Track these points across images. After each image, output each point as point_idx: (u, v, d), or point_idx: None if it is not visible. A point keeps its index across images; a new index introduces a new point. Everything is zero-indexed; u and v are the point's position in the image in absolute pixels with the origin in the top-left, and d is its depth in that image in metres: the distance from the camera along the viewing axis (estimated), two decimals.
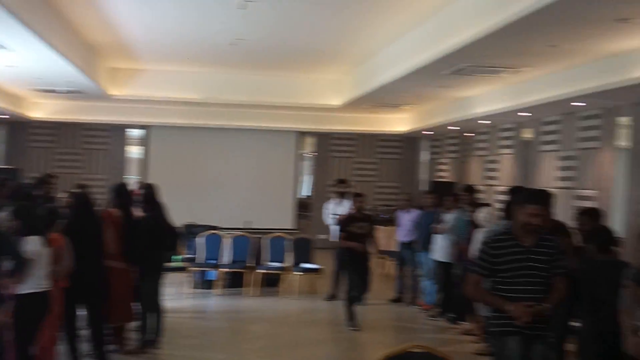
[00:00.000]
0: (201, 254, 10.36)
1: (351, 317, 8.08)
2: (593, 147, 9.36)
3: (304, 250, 10.70)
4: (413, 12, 7.73)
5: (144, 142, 15.62)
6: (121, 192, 7.01)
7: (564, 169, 10.09)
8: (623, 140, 8.88)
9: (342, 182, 10.52)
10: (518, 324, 4.12)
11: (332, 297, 9.83)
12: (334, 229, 9.72)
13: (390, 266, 11.58)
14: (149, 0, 7.87)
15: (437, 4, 7.30)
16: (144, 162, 15.57)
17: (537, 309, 4.13)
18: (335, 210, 10.12)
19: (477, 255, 4.47)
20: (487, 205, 8.82)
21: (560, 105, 9.27)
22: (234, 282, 10.53)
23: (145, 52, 11.17)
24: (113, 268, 6.41)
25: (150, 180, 14.21)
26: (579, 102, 8.82)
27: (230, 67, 12.19)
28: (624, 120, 8.84)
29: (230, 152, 15.58)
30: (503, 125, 12.18)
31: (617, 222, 8.97)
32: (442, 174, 15.35)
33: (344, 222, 8.46)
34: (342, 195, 10.27)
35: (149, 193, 7.09)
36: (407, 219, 9.84)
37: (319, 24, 8.48)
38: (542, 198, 4.40)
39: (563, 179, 10.08)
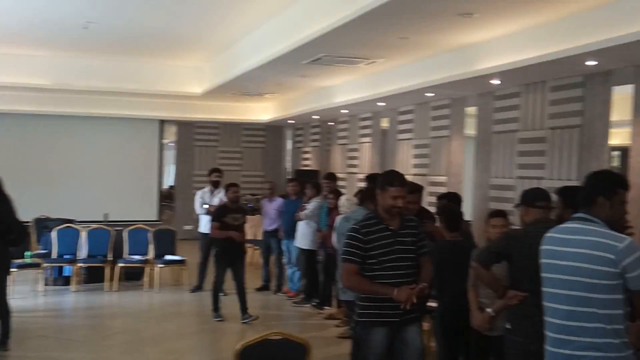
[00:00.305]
0: (56, 249, 9.92)
1: (216, 308, 8.04)
2: (444, 136, 9.85)
3: (167, 241, 10.53)
4: (273, 1, 7.74)
5: None
6: None
7: (418, 156, 10.55)
8: (470, 129, 9.44)
9: (216, 171, 10.23)
10: (403, 308, 4.19)
11: (197, 288, 9.73)
12: (205, 220, 9.58)
13: (257, 255, 11.64)
14: None
15: None
16: None
17: (419, 290, 4.21)
18: (208, 200, 9.88)
19: (346, 244, 4.42)
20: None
21: (413, 96, 9.66)
22: (93, 277, 10.19)
23: None
24: None
25: None
26: (429, 92, 9.25)
27: (85, 52, 11.61)
28: (470, 110, 9.39)
29: (88, 142, 14.91)
30: (362, 115, 12.54)
31: (467, 206, 9.54)
32: (306, 162, 15.58)
33: (218, 213, 8.26)
34: (215, 184, 10.03)
35: None
36: (271, 207, 9.91)
37: (178, 8, 8.27)
38: (401, 180, 4.42)
39: (418, 166, 10.55)
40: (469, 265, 4.77)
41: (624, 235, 3.20)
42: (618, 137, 9.41)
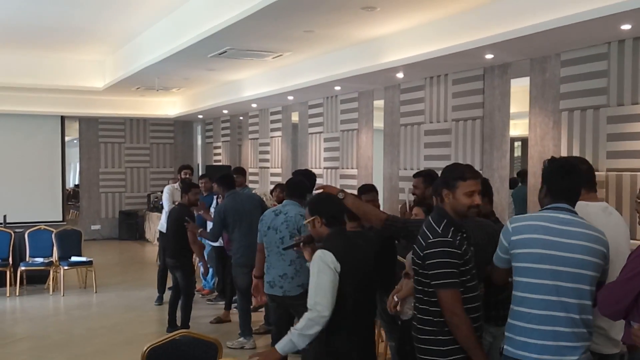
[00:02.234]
0: None
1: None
2: (353, 129, 9.97)
3: (72, 242, 10.23)
4: None
5: None
6: None
7: (328, 149, 10.63)
8: (378, 122, 9.59)
9: (186, 167, 9.77)
10: None
11: (160, 299, 8.96)
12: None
13: None
14: None
15: None
16: None
17: None
18: (178, 197, 9.01)
19: (443, 263, 3.44)
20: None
21: (321, 89, 9.72)
22: None
23: None
24: None
25: None
26: (337, 85, 9.33)
27: None
28: (378, 103, 9.54)
29: None
30: (272, 109, 12.53)
31: (380, 197, 9.70)
32: (217, 157, 15.44)
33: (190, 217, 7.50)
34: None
35: None
36: None
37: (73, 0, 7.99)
38: (473, 171, 3.70)
39: (328, 159, 10.63)
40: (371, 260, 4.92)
41: (599, 228, 3.27)
42: (519, 128, 9.83)
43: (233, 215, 6.97)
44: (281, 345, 3.54)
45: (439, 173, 3.67)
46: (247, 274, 6.50)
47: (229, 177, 7.54)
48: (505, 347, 3.28)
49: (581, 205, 3.46)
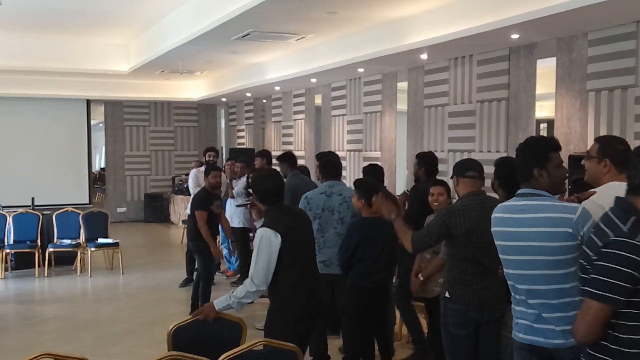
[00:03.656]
0: None
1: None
2: (376, 111, 9.94)
3: (99, 225, 10.32)
4: None
5: None
6: None
7: (351, 132, 10.62)
8: (402, 104, 9.55)
9: (210, 150, 9.68)
10: None
11: (187, 281, 8.86)
12: None
13: None
14: None
15: None
16: None
17: None
18: (202, 181, 8.69)
19: (614, 270, 3.16)
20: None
21: (345, 71, 9.69)
22: (22, 263, 9.97)
23: None
24: None
25: None
26: (360, 67, 9.29)
27: (5, 30, 11.11)
28: (402, 85, 9.49)
29: (11, 124, 14.36)
30: (295, 92, 12.52)
31: (401, 181, 9.69)
32: (240, 140, 15.48)
33: (204, 201, 7.29)
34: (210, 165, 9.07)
35: None
36: None
37: None
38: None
39: (351, 142, 10.62)
40: (384, 242, 5.00)
41: (574, 204, 3.15)
42: (545, 109, 9.70)
43: (292, 196, 6.44)
44: (220, 305, 3.92)
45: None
46: None
47: (292, 156, 7.40)
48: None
49: (614, 186, 3.39)
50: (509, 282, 3.31)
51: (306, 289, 4.16)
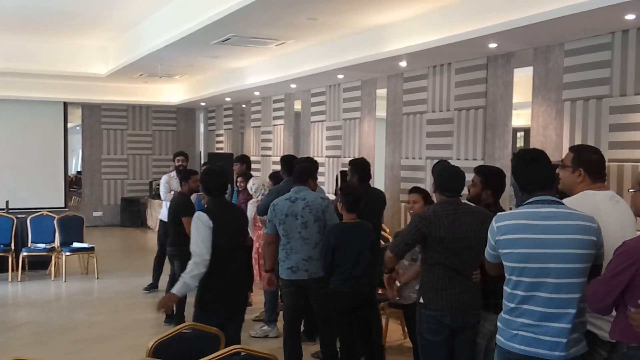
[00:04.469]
0: None
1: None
2: (355, 117, 9.98)
3: (74, 229, 10.22)
4: None
5: None
6: None
7: (330, 138, 10.64)
8: (381, 111, 9.59)
9: (180, 154, 9.39)
10: None
11: (152, 286, 8.88)
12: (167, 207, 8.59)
13: None
14: None
15: None
16: None
17: None
18: (175, 187, 8.85)
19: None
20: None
21: (324, 77, 9.71)
22: None
23: None
24: None
25: None
26: (339, 74, 9.32)
27: None
28: (380, 91, 9.53)
29: None
30: (275, 97, 12.52)
31: (379, 186, 9.71)
32: (219, 145, 15.44)
33: (189, 207, 7.21)
34: (181, 170, 8.78)
35: None
36: None
37: None
38: None
39: (330, 147, 10.64)
40: (361, 247, 5.07)
41: (589, 215, 3.19)
42: (521, 118, 9.82)
43: None
44: (177, 289, 4.53)
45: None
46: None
47: (293, 163, 7.01)
48: (497, 337, 3.28)
49: (589, 195, 3.45)
50: (509, 291, 3.21)
51: (227, 273, 4.65)
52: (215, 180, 4.81)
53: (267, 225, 5.62)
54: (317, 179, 6.01)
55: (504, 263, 3.24)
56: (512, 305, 3.19)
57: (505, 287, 3.26)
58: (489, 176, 4.47)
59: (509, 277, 3.22)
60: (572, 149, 3.75)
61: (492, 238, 3.29)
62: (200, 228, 4.55)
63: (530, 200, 3.23)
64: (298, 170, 5.82)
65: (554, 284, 3.10)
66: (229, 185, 8.84)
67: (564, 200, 3.42)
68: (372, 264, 5.21)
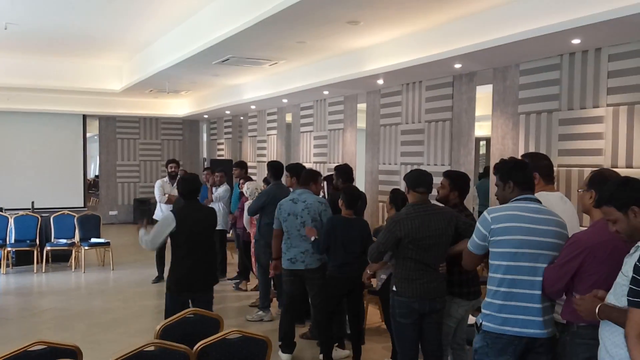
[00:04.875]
0: None
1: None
2: (339, 129, 9.98)
3: (92, 226, 10.21)
4: (184, 4, 7.50)
5: None
6: None
7: (317, 146, 10.64)
8: (361, 123, 9.60)
9: (172, 162, 9.32)
10: None
11: (159, 278, 8.78)
12: (164, 208, 8.73)
13: None
14: None
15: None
16: None
17: None
18: (168, 190, 8.92)
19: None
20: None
21: (312, 93, 9.71)
22: (22, 260, 9.84)
23: None
24: None
25: None
26: (325, 90, 9.33)
27: (10, 52, 10.91)
28: (361, 106, 9.55)
29: (14, 136, 14.06)
30: (269, 110, 12.51)
31: (360, 188, 9.71)
32: (220, 152, 15.39)
33: None
34: (172, 176, 9.01)
35: None
36: None
37: (94, 11, 7.87)
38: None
39: (317, 155, 10.64)
40: (352, 238, 5.12)
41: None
42: (483, 129, 9.86)
43: (274, 203, 6.35)
44: (141, 234, 5.11)
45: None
46: (269, 253, 6.32)
47: (281, 168, 7.02)
48: (484, 323, 3.25)
49: (543, 195, 3.49)
50: (499, 277, 3.18)
51: (189, 263, 4.96)
52: (187, 186, 5.10)
53: (275, 221, 5.74)
54: (320, 182, 6.04)
55: (495, 250, 3.21)
56: (503, 289, 3.17)
57: (494, 275, 3.23)
58: (456, 179, 4.49)
59: (499, 263, 3.19)
60: (526, 156, 3.79)
61: (484, 229, 3.26)
62: (164, 224, 4.96)
63: (519, 197, 3.28)
64: (303, 175, 5.93)
65: (541, 268, 3.14)
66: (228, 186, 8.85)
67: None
68: (363, 254, 5.24)
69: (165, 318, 4.48)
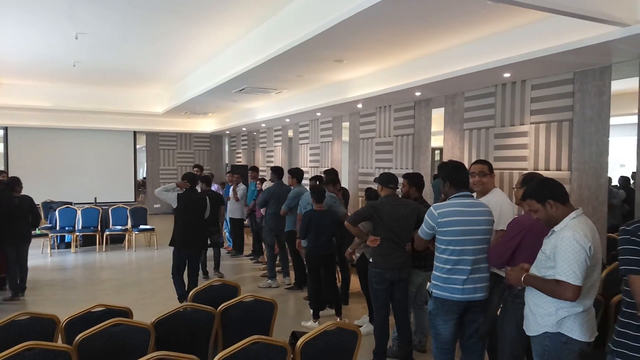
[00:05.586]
0: (59, 223, 9.40)
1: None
2: (328, 141, 9.97)
3: (141, 216, 10.15)
4: (211, 47, 7.52)
5: (4, 140, 13.24)
6: None
7: (312, 155, 10.62)
8: (345, 137, 9.59)
9: (196, 166, 9.21)
10: None
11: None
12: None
13: None
14: (0, 29, 6.68)
15: (225, 42, 7.15)
16: (5, 156, 13.29)
17: None
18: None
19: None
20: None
21: (308, 114, 9.70)
22: (87, 242, 9.76)
23: (2, 70, 9.46)
24: None
25: (11, 170, 12.40)
26: (318, 112, 9.32)
27: (75, 83, 10.86)
28: (345, 124, 9.54)
29: (81, 147, 13.94)
30: (275, 127, 12.47)
31: (345, 185, 9.69)
32: (238, 159, 15.34)
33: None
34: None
35: (9, 183, 6.25)
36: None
37: (141, 52, 7.87)
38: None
39: (312, 161, 10.61)
40: (324, 226, 5.13)
41: (486, 204, 3.28)
42: (437, 141, 9.85)
43: (275, 197, 6.66)
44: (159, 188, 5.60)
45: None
46: (272, 236, 6.58)
47: (281, 171, 7.10)
48: (434, 291, 3.23)
49: (499, 191, 3.58)
50: (445, 257, 3.14)
51: (186, 230, 5.50)
52: (188, 179, 5.67)
53: (299, 208, 5.80)
54: (338, 181, 6.19)
55: (442, 237, 3.18)
56: (448, 266, 3.14)
57: (441, 255, 3.19)
58: (412, 178, 4.48)
59: (445, 247, 3.16)
60: (483, 162, 3.72)
61: (432, 221, 3.21)
62: (172, 197, 5.55)
63: (457, 194, 3.23)
64: (325, 177, 6.09)
65: (478, 249, 3.13)
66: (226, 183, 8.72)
67: (487, 196, 3.52)
68: (332, 236, 5.29)
69: (172, 265, 5.59)
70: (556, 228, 2.56)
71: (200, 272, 7.28)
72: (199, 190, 8.79)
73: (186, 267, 5.61)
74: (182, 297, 5.55)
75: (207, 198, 5.88)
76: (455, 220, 3.14)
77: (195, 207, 5.64)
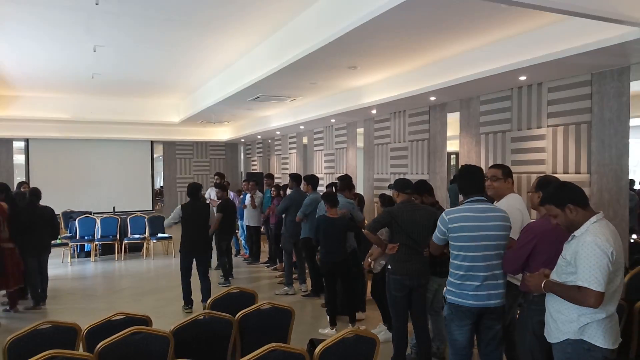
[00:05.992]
0: (78, 232, 9.50)
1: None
2: (343, 147, 9.97)
3: (158, 224, 10.17)
4: (225, 56, 7.59)
5: (26, 151, 13.55)
6: (3, 190, 6.12)
7: (327, 161, 10.62)
8: (360, 143, 9.58)
9: (216, 174, 9.34)
10: None
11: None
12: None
13: None
14: (21, 43, 6.78)
15: (239, 51, 7.22)
16: (26, 167, 13.60)
17: None
18: (213, 196, 8.78)
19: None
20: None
21: (322, 121, 9.72)
22: (106, 251, 9.82)
23: (23, 83, 9.71)
24: (5, 248, 5.64)
25: (32, 180, 12.65)
26: (332, 119, 9.33)
27: (94, 94, 11.07)
28: (359, 130, 9.54)
29: (100, 157, 14.15)
30: (290, 135, 12.51)
31: (360, 191, 9.68)
32: (254, 167, 15.42)
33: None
34: (217, 185, 8.91)
35: (31, 194, 6.37)
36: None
37: (157, 63, 7.99)
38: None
39: (327, 168, 10.62)
40: (335, 233, 5.09)
41: (503, 209, 3.20)
42: (453, 146, 9.79)
43: (295, 204, 6.59)
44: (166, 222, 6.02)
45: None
46: (291, 242, 6.59)
47: (300, 178, 7.06)
48: (448, 297, 3.21)
49: (515, 196, 3.51)
50: (458, 263, 3.10)
51: (190, 237, 5.95)
52: (190, 190, 6.02)
53: (317, 215, 5.78)
54: (354, 187, 6.22)
55: (454, 243, 3.16)
56: (461, 273, 3.11)
57: (454, 261, 3.17)
58: (419, 187, 4.40)
59: (457, 252, 3.13)
60: (498, 166, 3.68)
61: (443, 226, 3.19)
62: (176, 211, 5.94)
63: (469, 199, 3.20)
64: (340, 184, 6.13)
65: (490, 255, 3.07)
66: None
67: (501, 202, 3.46)
68: (344, 244, 5.27)
69: (181, 269, 6.04)
70: (576, 233, 2.52)
71: (222, 278, 7.35)
72: (211, 196, 9.00)
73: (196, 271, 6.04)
74: (187, 299, 6.08)
75: (209, 206, 6.26)
76: (466, 226, 3.10)
77: (196, 214, 6.00)
